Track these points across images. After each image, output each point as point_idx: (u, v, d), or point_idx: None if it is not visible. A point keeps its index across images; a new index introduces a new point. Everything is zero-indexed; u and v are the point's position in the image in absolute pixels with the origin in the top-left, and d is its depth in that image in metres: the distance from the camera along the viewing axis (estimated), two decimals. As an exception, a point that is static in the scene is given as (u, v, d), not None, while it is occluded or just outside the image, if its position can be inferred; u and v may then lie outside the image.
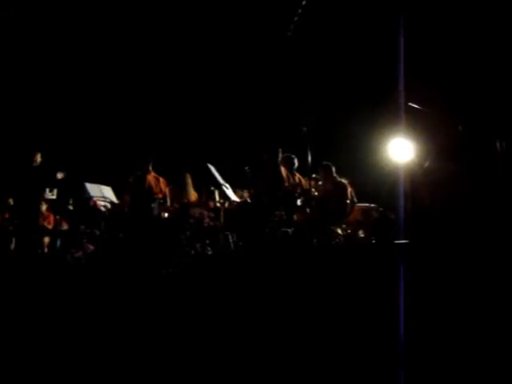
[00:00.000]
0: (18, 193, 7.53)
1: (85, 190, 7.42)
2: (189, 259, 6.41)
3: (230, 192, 7.04)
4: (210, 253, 6.77)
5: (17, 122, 9.87)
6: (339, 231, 6.66)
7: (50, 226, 8.22)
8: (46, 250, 7.99)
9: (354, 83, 8.52)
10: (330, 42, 8.36)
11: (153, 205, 7.35)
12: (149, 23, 9.78)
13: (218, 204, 7.47)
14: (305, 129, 6.85)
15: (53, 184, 7.67)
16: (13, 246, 7.72)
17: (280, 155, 6.93)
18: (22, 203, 7.57)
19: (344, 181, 6.89)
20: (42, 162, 7.71)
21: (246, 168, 7.17)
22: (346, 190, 6.83)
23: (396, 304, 3.99)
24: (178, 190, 7.81)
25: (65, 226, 8.39)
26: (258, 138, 8.74)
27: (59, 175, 7.61)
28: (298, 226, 6.57)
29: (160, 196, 7.50)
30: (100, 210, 7.63)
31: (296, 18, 6.98)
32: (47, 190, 7.79)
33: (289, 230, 6.37)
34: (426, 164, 5.89)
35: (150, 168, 7.57)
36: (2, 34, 9.30)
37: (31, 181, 7.47)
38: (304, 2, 6.94)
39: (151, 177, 7.52)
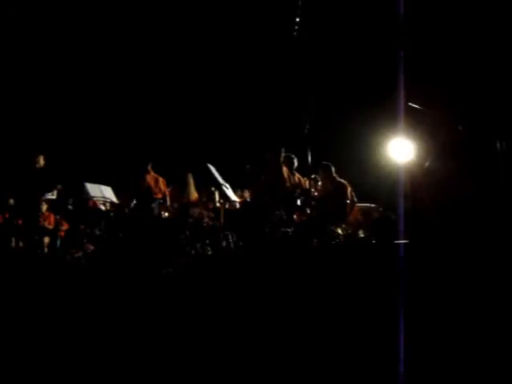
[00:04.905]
0: (19, 194, 7.47)
1: (85, 190, 7.42)
2: (189, 259, 6.41)
3: (230, 192, 7.03)
4: (209, 253, 6.77)
5: (19, 123, 9.85)
6: (339, 231, 6.66)
7: (50, 226, 8.22)
8: (45, 249, 7.99)
9: (354, 83, 8.52)
10: (329, 41, 8.36)
11: (153, 205, 7.35)
12: (149, 23, 9.78)
13: (218, 204, 7.47)
14: (305, 128, 6.84)
15: (53, 188, 7.63)
16: (13, 245, 7.70)
17: (282, 155, 6.91)
18: (22, 205, 7.51)
19: (344, 181, 6.89)
20: (45, 165, 7.64)
21: (247, 166, 7.15)
22: (345, 190, 6.83)
23: (396, 304, 3.99)
24: (179, 190, 7.82)
25: (65, 226, 8.40)
26: (258, 138, 8.73)
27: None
28: (298, 226, 6.57)
29: (160, 196, 7.50)
30: (100, 210, 7.64)
31: (297, 19, 6.97)
32: None
33: (289, 230, 6.37)
34: (427, 164, 5.89)
35: (149, 168, 7.58)
36: (3, 33, 9.29)
37: (32, 183, 7.41)
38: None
39: (150, 177, 7.52)
